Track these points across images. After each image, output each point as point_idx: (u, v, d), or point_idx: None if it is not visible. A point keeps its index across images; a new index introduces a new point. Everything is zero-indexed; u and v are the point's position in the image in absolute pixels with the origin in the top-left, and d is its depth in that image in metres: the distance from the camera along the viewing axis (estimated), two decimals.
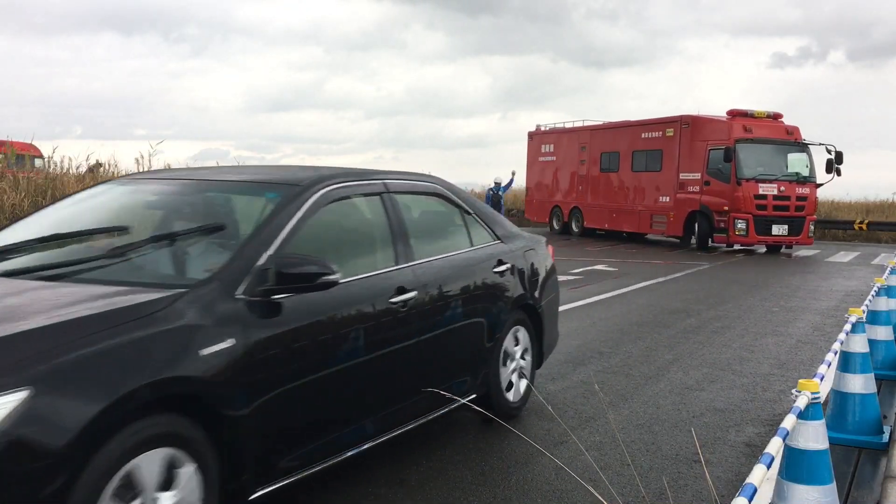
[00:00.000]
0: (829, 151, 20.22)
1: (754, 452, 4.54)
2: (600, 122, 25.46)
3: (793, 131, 19.97)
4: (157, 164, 14.49)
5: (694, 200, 20.62)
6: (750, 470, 2.14)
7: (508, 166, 46.27)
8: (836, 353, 4.21)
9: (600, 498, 2.93)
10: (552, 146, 26.96)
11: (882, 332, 6.19)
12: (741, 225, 19.16)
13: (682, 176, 21.05)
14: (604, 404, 5.06)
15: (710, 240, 20.32)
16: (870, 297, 6.14)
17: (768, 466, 2.20)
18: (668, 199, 21.62)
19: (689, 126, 20.88)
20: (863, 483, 4.14)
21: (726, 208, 19.45)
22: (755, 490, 2.02)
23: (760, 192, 19.19)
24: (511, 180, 27.12)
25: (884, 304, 6.25)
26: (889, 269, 8.16)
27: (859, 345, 4.74)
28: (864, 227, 27.71)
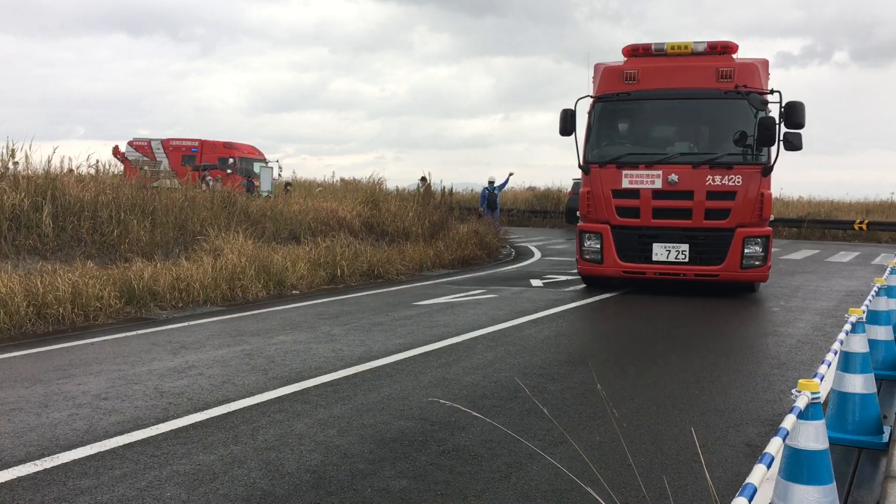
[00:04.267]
0: (778, 113, 10.75)
1: (754, 452, 4.54)
2: None
3: (730, 73, 10.82)
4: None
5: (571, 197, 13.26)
6: (750, 470, 2.13)
7: (510, 167, 46.29)
8: (836, 353, 4.21)
9: (599, 499, 2.93)
10: None
11: (882, 332, 6.19)
12: (590, 243, 11.43)
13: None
14: (604, 404, 5.05)
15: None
16: (870, 297, 6.14)
17: (768, 466, 2.20)
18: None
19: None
20: (863, 483, 4.13)
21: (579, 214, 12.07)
22: (755, 490, 2.02)
23: (626, 184, 11.07)
24: (507, 180, 27.20)
25: (884, 304, 6.24)
26: (889, 269, 8.15)
27: (859, 345, 4.74)
28: (864, 227, 27.68)
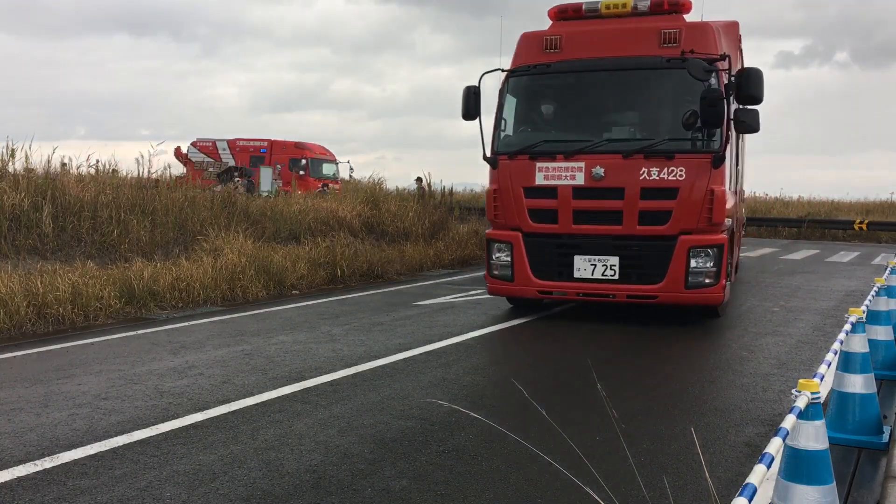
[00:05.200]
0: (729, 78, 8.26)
1: (754, 452, 4.54)
2: None
3: (677, 36, 8.51)
4: (159, 165, 14.50)
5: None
6: (750, 470, 2.13)
7: None
8: (836, 353, 4.21)
9: (599, 499, 2.93)
10: None
11: (882, 332, 6.19)
12: (499, 256, 9.18)
13: None
14: (604, 404, 5.05)
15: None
16: (870, 297, 6.14)
17: (768, 466, 2.20)
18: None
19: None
20: (863, 483, 4.13)
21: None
22: (755, 490, 2.02)
23: (541, 180, 8.81)
24: None
25: (884, 304, 6.25)
26: (889, 269, 8.15)
27: (859, 345, 4.74)
28: (864, 227, 27.68)
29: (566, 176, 8.61)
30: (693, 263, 8.26)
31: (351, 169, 33.10)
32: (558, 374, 6.48)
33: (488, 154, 9.16)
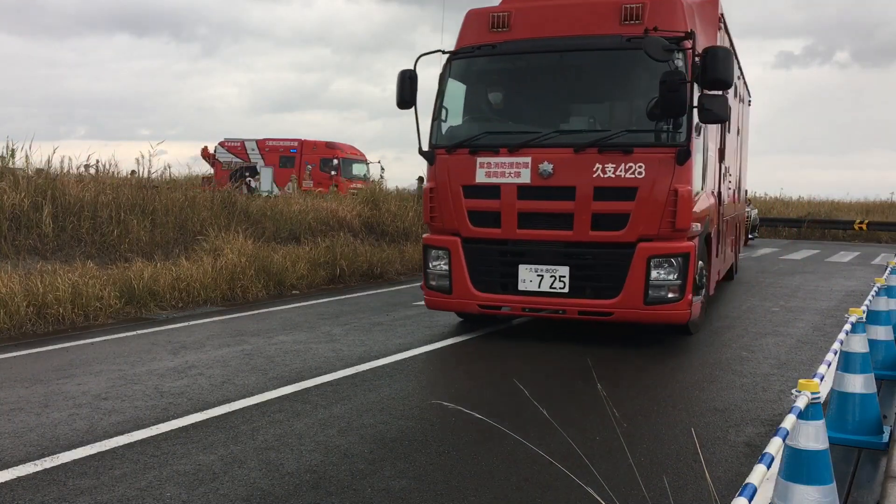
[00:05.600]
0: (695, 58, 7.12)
1: (754, 452, 4.54)
2: None
3: (639, 11, 7.47)
4: (159, 165, 14.53)
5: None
6: (750, 470, 2.13)
7: None
8: (836, 353, 4.21)
9: (599, 499, 2.93)
10: None
11: (882, 332, 6.20)
12: (436, 264, 8.10)
13: None
14: (604, 404, 5.05)
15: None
16: (870, 297, 6.14)
17: (768, 466, 2.20)
18: None
19: None
20: (863, 483, 4.13)
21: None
22: (755, 490, 2.02)
23: (482, 177, 7.79)
24: None
25: (884, 304, 6.25)
26: (889, 269, 8.16)
27: (859, 345, 4.74)
28: (864, 227, 27.70)
29: (510, 173, 7.53)
30: (654, 275, 7.16)
31: (382, 169, 32.22)
32: (559, 374, 6.48)
33: (425, 148, 8.07)
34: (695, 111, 7.03)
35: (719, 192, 9.73)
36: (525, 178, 7.45)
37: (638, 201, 7.13)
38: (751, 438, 4.86)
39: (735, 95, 11.68)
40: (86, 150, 16.37)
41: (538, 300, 7.51)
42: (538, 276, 7.45)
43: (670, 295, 7.17)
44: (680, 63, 7.04)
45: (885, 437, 4.67)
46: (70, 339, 7.77)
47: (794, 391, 2.83)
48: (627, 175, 7.15)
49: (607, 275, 7.29)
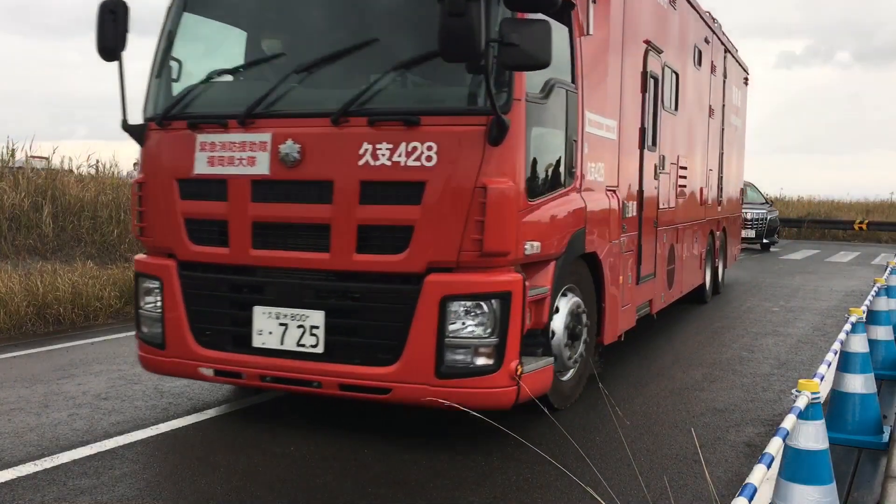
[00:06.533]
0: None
1: (754, 452, 4.54)
2: None
3: None
4: None
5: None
6: (750, 470, 2.14)
7: None
8: (836, 353, 4.21)
9: (599, 499, 2.93)
10: None
11: (882, 332, 6.19)
12: (147, 301, 5.11)
13: None
14: (604, 404, 5.05)
15: None
16: (870, 297, 6.15)
17: (768, 466, 2.20)
18: None
19: None
20: (863, 483, 4.13)
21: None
22: (755, 490, 2.02)
23: (204, 167, 4.86)
24: None
25: (884, 304, 6.25)
26: (889, 269, 8.17)
27: (859, 345, 4.74)
28: (864, 227, 27.69)
29: (241, 159, 4.75)
30: (451, 328, 4.38)
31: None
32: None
33: (132, 121, 5.19)
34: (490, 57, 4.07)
35: (641, 191, 6.91)
36: (262, 167, 4.70)
37: (425, 206, 4.38)
38: (751, 438, 4.86)
39: (699, 64, 9.27)
40: (86, 149, 16.42)
41: (279, 364, 4.65)
42: (280, 324, 4.66)
43: (479, 361, 4.40)
44: None
45: (885, 437, 4.67)
46: (70, 339, 7.77)
47: (794, 391, 2.83)
48: (410, 162, 4.40)
49: (380, 326, 4.51)
